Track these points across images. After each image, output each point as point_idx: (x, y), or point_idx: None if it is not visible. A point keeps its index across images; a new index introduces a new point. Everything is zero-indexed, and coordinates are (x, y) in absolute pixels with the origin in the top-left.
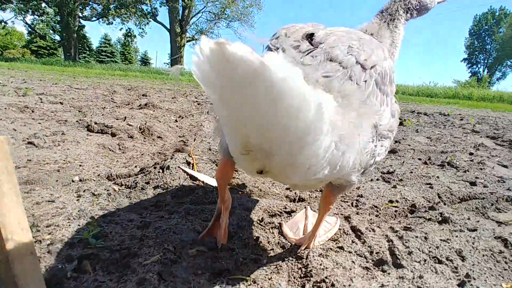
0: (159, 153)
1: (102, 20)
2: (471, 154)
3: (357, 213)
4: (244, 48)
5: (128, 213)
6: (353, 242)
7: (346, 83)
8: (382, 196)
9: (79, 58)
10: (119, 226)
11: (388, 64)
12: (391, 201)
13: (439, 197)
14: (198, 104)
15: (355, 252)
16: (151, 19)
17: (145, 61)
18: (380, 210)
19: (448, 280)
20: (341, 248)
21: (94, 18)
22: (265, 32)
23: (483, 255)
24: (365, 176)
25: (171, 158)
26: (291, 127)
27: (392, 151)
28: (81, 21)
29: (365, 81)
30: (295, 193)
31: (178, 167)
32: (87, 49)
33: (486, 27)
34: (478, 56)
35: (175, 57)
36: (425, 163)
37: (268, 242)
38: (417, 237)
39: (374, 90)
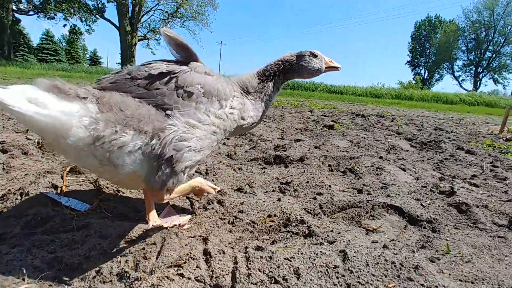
0: (48, 172)
1: (42, 14)
2: (380, 157)
3: (230, 231)
4: None
5: None
6: (197, 267)
7: None
8: (263, 211)
9: (15, 56)
10: None
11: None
12: (269, 216)
13: (321, 207)
14: None
15: (195, 278)
16: (98, 16)
17: (94, 60)
18: (257, 225)
19: None
20: (181, 275)
21: (31, 12)
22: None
23: (319, 271)
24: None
25: (33, 183)
26: None
27: (300, 159)
28: (16, 14)
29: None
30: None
31: (40, 192)
32: (25, 46)
33: (425, 33)
34: (420, 59)
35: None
36: (331, 170)
37: (110, 273)
38: (262, 257)
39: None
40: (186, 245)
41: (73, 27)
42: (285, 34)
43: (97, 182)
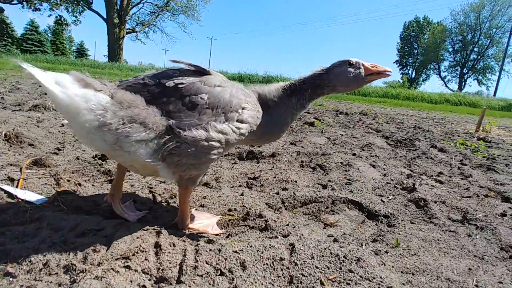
0: (11, 164)
1: (27, 4)
2: (354, 154)
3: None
4: None
5: None
6: (146, 259)
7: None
8: (225, 205)
9: None
10: None
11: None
12: (230, 210)
13: (283, 202)
14: None
15: (142, 270)
16: (85, 7)
17: (81, 52)
18: (219, 221)
19: None
20: (128, 267)
21: (15, 1)
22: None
23: (265, 264)
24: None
25: None
26: None
27: (272, 155)
28: None
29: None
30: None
31: None
32: (8, 36)
33: (413, 33)
34: (408, 59)
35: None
36: (302, 166)
37: (57, 266)
38: (211, 250)
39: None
40: (137, 238)
41: (59, 18)
42: (277, 30)
43: (57, 175)
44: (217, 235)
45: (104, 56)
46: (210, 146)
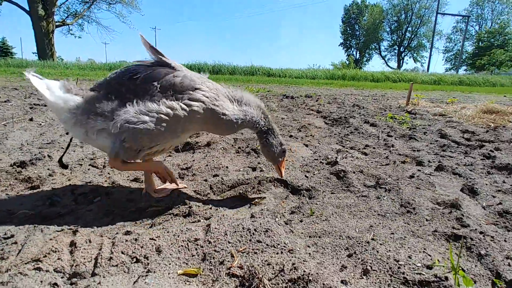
0: None
1: None
2: (290, 136)
3: (111, 221)
4: None
5: None
6: (59, 258)
7: None
8: (152, 197)
9: None
10: None
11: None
12: (157, 201)
13: (211, 188)
14: (31, 108)
15: (54, 269)
16: None
17: (4, 50)
18: (143, 212)
19: (131, 278)
20: (39, 268)
21: None
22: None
23: (180, 246)
24: None
25: None
26: None
27: (207, 144)
28: None
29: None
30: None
31: None
32: None
33: (354, 15)
34: (351, 41)
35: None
36: (237, 152)
37: None
38: (128, 240)
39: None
40: (51, 239)
41: None
42: (217, 18)
43: None
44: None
45: (33, 53)
46: (159, 118)
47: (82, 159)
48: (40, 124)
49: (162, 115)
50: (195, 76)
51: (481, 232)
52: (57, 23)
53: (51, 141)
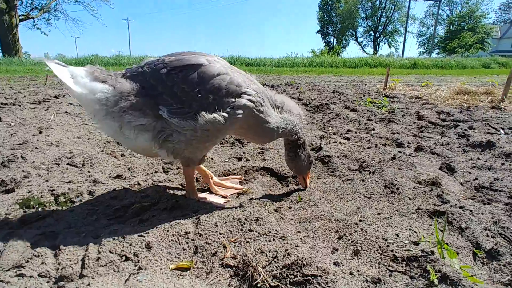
0: None
1: None
2: None
3: (95, 220)
4: None
5: None
6: (43, 263)
7: None
8: (137, 192)
9: None
10: None
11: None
12: (143, 197)
13: (197, 180)
14: None
15: (39, 274)
16: None
17: None
18: (129, 209)
19: (122, 277)
20: (22, 275)
21: None
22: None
23: (170, 240)
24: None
25: None
26: None
27: None
28: None
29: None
30: None
31: None
32: None
33: (331, 2)
34: (328, 28)
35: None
36: (221, 143)
37: None
38: (115, 239)
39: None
40: (33, 243)
41: None
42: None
43: None
44: (224, 197)
45: None
46: (198, 135)
47: (59, 158)
48: (10, 124)
49: (202, 132)
50: (241, 78)
51: (460, 207)
52: (21, 17)
53: (23, 141)
